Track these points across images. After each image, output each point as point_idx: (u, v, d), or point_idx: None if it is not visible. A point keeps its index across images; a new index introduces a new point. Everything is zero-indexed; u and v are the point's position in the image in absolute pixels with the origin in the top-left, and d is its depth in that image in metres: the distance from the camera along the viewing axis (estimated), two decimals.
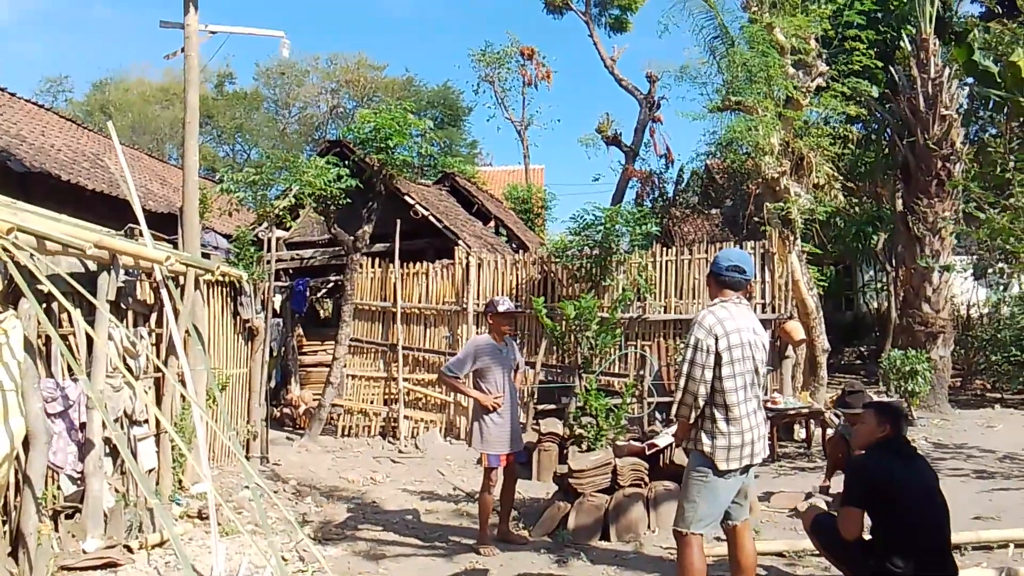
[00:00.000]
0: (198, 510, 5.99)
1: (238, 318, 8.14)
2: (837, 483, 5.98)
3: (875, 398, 10.34)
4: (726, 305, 3.72)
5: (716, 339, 3.58)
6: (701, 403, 3.58)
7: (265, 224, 9.88)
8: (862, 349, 19.15)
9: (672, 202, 22.12)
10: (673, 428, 4.02)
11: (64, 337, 5.25)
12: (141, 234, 6.63)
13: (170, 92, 32.33)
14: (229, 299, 8.06)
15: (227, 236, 11.22)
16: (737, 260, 3.80)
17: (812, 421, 8.41)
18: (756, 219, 10.58)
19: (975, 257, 14.73)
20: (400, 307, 10.26)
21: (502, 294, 9.99)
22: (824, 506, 5.44)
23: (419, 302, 10.37)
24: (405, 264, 10.51)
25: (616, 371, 9.44)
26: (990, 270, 13.50)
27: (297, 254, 12.12)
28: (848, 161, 14.51)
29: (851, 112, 10.32)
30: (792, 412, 8.08)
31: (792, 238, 9.54)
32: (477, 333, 9.18)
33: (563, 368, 9.56)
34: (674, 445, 5.53)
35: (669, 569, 4.47)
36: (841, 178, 11.63)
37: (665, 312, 9.47)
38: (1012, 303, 13.42)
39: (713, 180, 21.29)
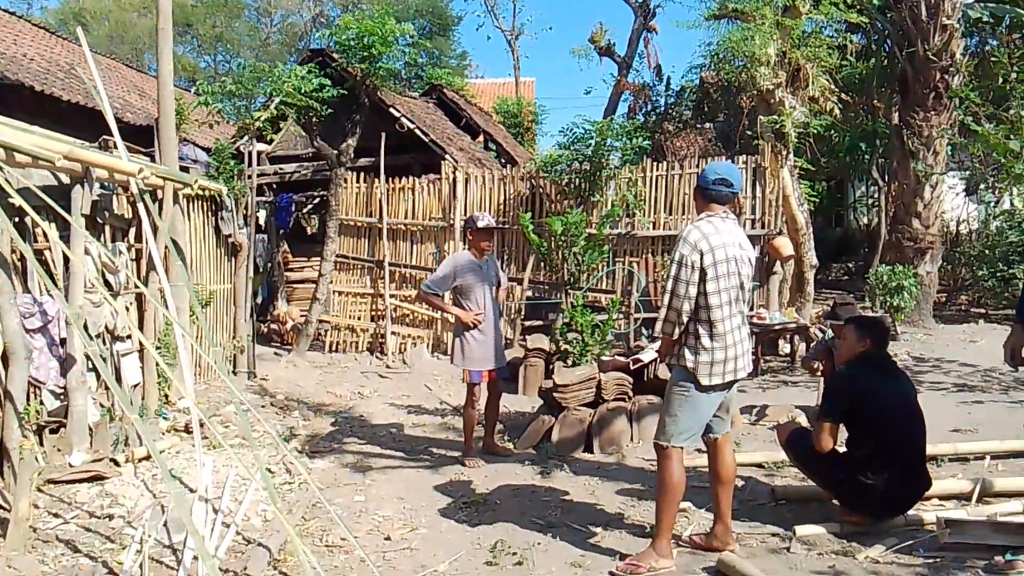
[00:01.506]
0: (185, 424, 6.02)
1: (220, 233, 8.01)
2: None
3: (863, 313, 10.44)
4: (712, 220, 3.64)
5: (701, 255, 3.50)
6: (685, 319, 3.54)
7: (246, 137, 9.61)
8: (850, 265, 19.24)
9: (665, 116, 21.71)
10: (658, 344, 3.99)
11: (40, 252, 5.14)
12: (115, 146, 6.42)
13: None
14: (210, 214, 7.91)
15: (207, 149, 10.93)
16: (724, 173, 3.69)
17: (797, 336, 8.46)
18: (749, 133, 10.37)
19: (968, 172, 14.65)
20: (386, 223, 10.12)
21: (489, 210, 9.87)
22: (804, 422, 5.54)
23: (405, 218, 10.23)
24: (391, 179, 10.32)
25: (604, 287, 9.43)
26: (982, 185, 13.46)
27: (280, 168, 11.86)
28: (846, 73, 14.17)
29: (851, 19, 9.98)
30: (778, 328, 8.12)
31: (785, 152, 9.37)
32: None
33: (550, 284, 9.53)
34: (658, 361, 5.55)
35: (650, 479, 4.54)
36: (837, 91, 11.36)
37: (654, 228, 9.38)
38: (1001, 219, 13.39)
39: (707, 94, 20.83)
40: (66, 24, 29.60)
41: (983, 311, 12.60)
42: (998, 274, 11.78)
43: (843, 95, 12.12)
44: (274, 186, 12.02)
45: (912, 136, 10.61)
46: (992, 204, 14.77)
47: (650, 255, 9.30)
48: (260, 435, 6.20)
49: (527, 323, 9.34)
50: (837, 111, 11.31)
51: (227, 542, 4.05)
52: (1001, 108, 8.32)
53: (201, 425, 6.05)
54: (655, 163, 9.65)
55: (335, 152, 9.73)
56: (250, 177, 9.03)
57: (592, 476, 5.08)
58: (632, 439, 5.75)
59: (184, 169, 7.97)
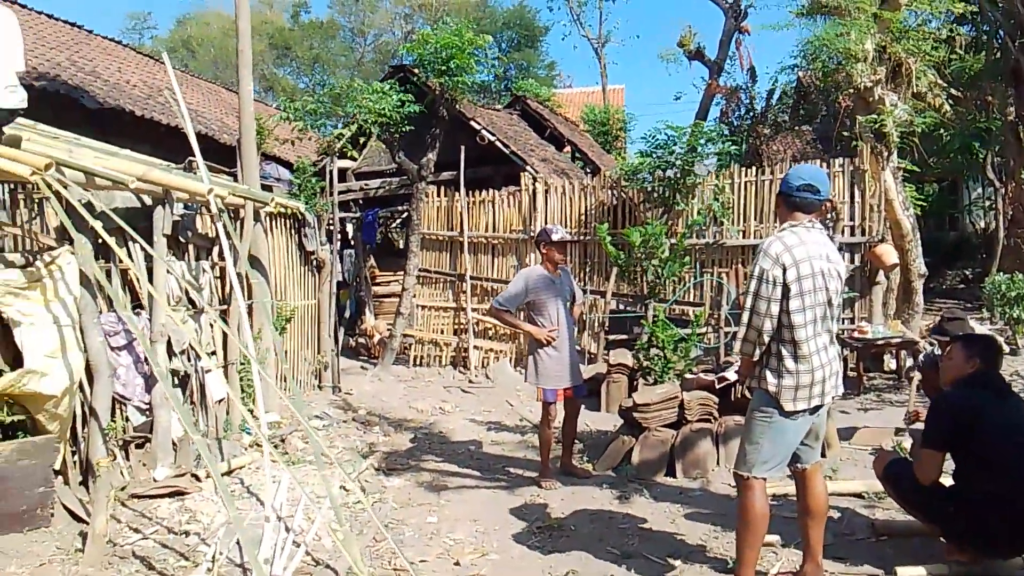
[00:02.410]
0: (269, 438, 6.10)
1: (304, 251, 8.16)
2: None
3: (976, 326, 9.60)
4: (796, 230, 3.33)
5: (784, 269, 3.21)
6: (766, 339, 3.26)
7: (328, 156, 9.80)
8: (966, 272, 17.92)
9: (760, 119, 20.94)
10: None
11: (125, 272, 5.32)
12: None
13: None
14: (293, 231, 8.07)
15: (290, 166, 11.23)
16: (810, 178, 3.37)
17: (904, 351, 7.86)
18: (846, 134, 9.77)
19: None
20: (467, 236, 10.09)
21: (570, 221, 9.69)
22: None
23: (486, 231, 10.17)
24: (472, 192, 10.29)
25: (691, 300, 9.07)
26: None
27: (365, 184, 12.06)
28: (955, 68, 13.24)
29: (957, 10, 9.26)
30: (881, 342, 7.55)
31: (886, 153, 8.75)
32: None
33: (635, 297, 9.24)
34: (737, 383, 5.21)
35: (736, 507, 4.23)
36: (946, 86, 10.58)
37: (743, 237, 8.95)
38: None
39: (805, 95, 19.97)
40: (175, 51, 31.42)
41: None
42: None
43: (952, 91, 11.29)
44: (360, 202, 12.23)
45: None
46: None
47: (740, 265, 8.88)
48: (339, 452, 6.23)
49: (611, 337, 9.09)
50: (947, 108, 10.55)
51: (296, 563, 4.01)
52: None
53: (282, 441, 6.17)
54: (745, 168, 9.21)
55: (416, 167, 9.78)
56: (332, 194, 9.17)
57: (673, 502, 4.81)
58: (718, 462, 5.43)
59: (267, 188, 8.18)
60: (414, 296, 10.10)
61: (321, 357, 8.37)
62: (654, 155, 9.16)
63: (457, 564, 4.08)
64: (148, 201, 5.38)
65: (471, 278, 10.06)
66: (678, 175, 8.98)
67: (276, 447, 6.01)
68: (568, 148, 16.05)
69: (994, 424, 3.37)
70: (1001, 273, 9.40)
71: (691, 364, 6.76)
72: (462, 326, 10.14)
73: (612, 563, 3.91)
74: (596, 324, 9.26)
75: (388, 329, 10.38)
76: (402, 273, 10.25)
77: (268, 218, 7.54)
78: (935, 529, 3.65)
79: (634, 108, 44.13)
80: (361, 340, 11.15)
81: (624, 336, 8.87)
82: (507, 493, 5.27)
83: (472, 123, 11.05)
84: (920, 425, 5.63)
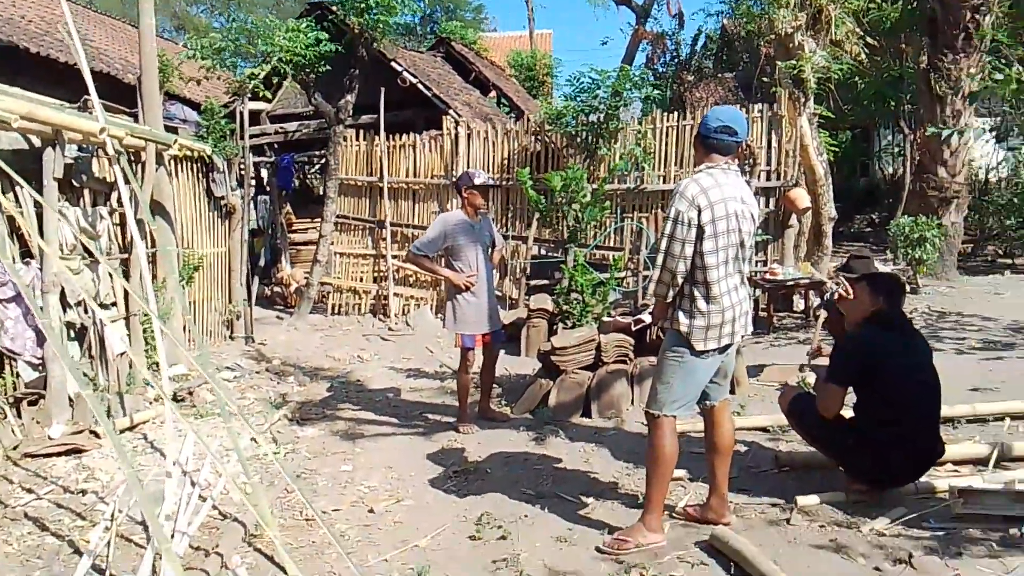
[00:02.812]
0: (173, 392, 5.87)
1: (212, 196, 7.79)
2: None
3: (880, 267, 9.98)
4: (712, 172, 3.31)
5: (699, 211, 3.20)
6: (680, 280, 3.26)
7: (240, 97, 9.32)
8: (873, 216, 18.66)
9: (685, 66, 21.03)
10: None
11: (12, 218, 4.95)
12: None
13: None
14: (201, 176, 7.69)
15: (198, 107, 10.67)
16: (728, 120, 3.34)
17: (812, 292, 8.11)
18: (767, 80, 9.88)
19: (998, 119, 13.98)
20: (387, 181, 9.84)
21: (494, 167, 9.55)
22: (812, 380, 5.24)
23: (407, 176, 9.93)
24: (392, 136, 10.01)
25: (611, 244, 9.12)
26: (1014, 129, 12.83)
27: (281, 127, 11.58)
28: (873, 16, 13.49)
29: None
30: (791, 283, 7.76)
31: (803, 100, 8.88)
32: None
33: (556, 243, 9.23)
34: (652, 325, 5.26)
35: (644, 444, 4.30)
36: (863, 34, 10.77)
37: (664, 182, 9.01)
38: None
39: (728, 42, 20.12)
40: None
41: (1010, 261, 12.13)
42: None
43: (869, 39, 11.51)
44: (275, 146, 11.76)
45: (940, 80, 10.05)
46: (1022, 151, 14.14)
47: (660, 210, 8.94)
48: (250, 403, 6.06)
49: (532, 283, 9.09)
50: (863, 56, 10.76)
51: (201, 517, 3.88)
52: None
53: (190, 394, 5.95)
54: (667, 114, 9.21)
55: (334, 109, 9.43)
56: (243, 137, 8.75)
57: (588, 442, 4.86)
58: (632, 402, 5.51)
59: (171, 129, 7.74)
60: (332, 243, 9.84)
61: (233, 307, 8.09)
62: (578, 99, 9.05)
63: (371, 511, 4.03)
64: (37, 143, 5.00)
65: (391, 224, 9.85)
66: (602, 120, 8.91)
67: (182, 401, 5.80)
68: (493, 93, 15.78)
69: (898, 363, 3.49)
70: (906, 216, 9.76)
71: (609, 308, 6.81)
72: (382, 274, 9.96)
73: (526, 503, 3.93)
74: (517, 270, 9.23)
75: (305, 277, 10.11)
76: (319, 220, 9.95)
77: (173, 162, 7.16)
78: (835, 461, 3.78)
79: (561, 54, 43.74)
80: (277, 289, 10.84)
81: (545, 281, 8.87)
82: (424, 439, 5.23)
83: (393, 64, 10.68)
84: (823, 361, 5.85)
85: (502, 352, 7.66)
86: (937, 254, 9.54)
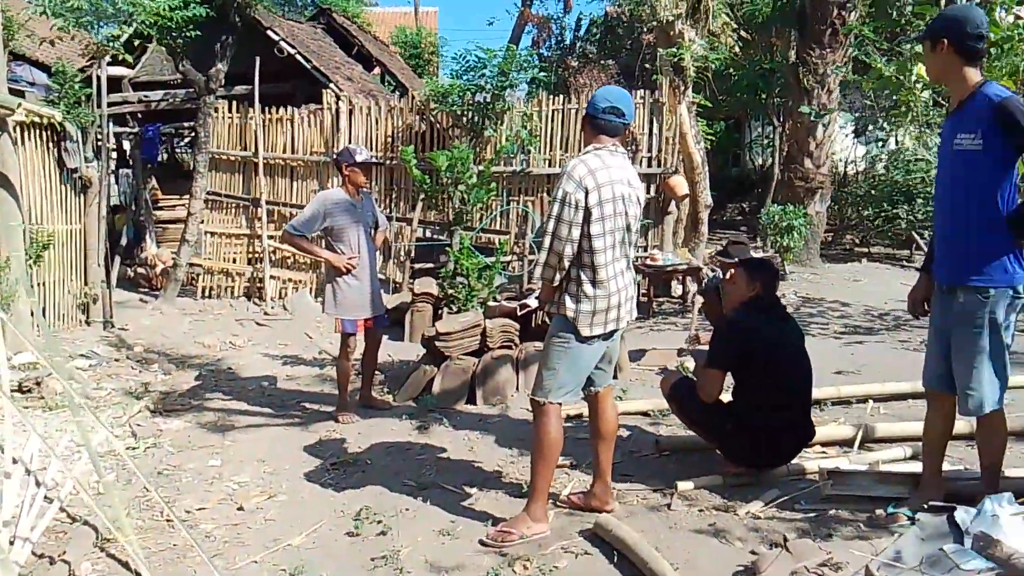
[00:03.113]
0: (19, 383, 5.33)
1: (65, 168, 7.11)
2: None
3: (753, 253, 10.47)
4: (599, 153, 3.26)
5: (586, 192, 3.14)
6: (567, 264, 3.20)
7: (97, 60, 8.54)
8: (744, 205, 19.54)
9: (570, 51, 21.18)
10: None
11: None
12: None
13: None
14: (52, 145, 7.00)
15: (49, 69, 9.74)
16: (616, 100, 3.29)
17: (690, 278, 8.36)
18: (648, 67, 10.06)
19: (858, 114, 14.92)
20: (262, 157, 9.34)
21: (378, 145, 9.25)
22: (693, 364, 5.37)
23: (284, 152, 9.46)
24: (268, 109, 9.49)
25: (498, 228, 9.05)
26: (870, 126, 13.71)
27: (145, 96, 10.75)
28: (747, 10, 14.04)
29: None
30: (670, 269, 7.96)
31: (683, 88, 9.11)
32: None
33: (442, 225, 9.07)
34: (538, 309, 5.21)
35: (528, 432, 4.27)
36: (737, 27, 11.17)
37: (550, 166, 9.01)
38: (888, 159, 13.73)
39: (611, 28, 20.41)
40: None
41: (866, 250, 13.00)
42: (883, 214, 12.09)
43: (743, 32, 11.96)
44: (140, 115, 10.92)
45: (807, 74, 10.56)
46: (880, 144, 15.15)
47: (546, 194, 8.95)
48: (107, 393, 5.59)
49: (417, 266, 8.90)
50: (737, 48, 11.16)
51: (46, 521, 3.51)
52: (895, 44, 8.30)
53: (37, 384, 5.42)
54: (553, 97, 9.19)
55: (204, 78, 8.82)
56: (100, 105, 8.03)
57: (473, 430, 4.77)
58: (517, 388, 5.46)
59: (16, 93, 6.99)
60: (202, 222, 9.26)
61: (89, 289, 7.44)
62: (464, 78, 8.89)
63: (240, 509, 3.78)
64: None
65: (267, 203, 9.35)
66: (488, 100, 8.79)
67: (29, 392, 5.27)
68: (378, 70, 15.33)
69: (775, 347, 3.59)
70: (776, 205, 10.24)
71: (495, 292, 6.73)
72: (257, 255, 9.47)
73: (408, 496, 3.79)
74: (402, 252, 9.00)
75: (173, 258, 9.46)
76: (189, 197, 9.32)
77: (19, 129, 6.47)
78: (713, 444, 3.86)
79: (447, 32, 43.14)
80: (141, 270, 10.08)
81: (431, 265, 8.71)
82: (301, 430, 4.99)
83: (270, 33, 10.11)
84: (703, 346, 6.03)
85: (385, 337, 7.47)
86: (803, 242, 10.06)
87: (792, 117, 11.45)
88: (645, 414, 4.84)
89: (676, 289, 8.79)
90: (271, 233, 9.40)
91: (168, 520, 3.63)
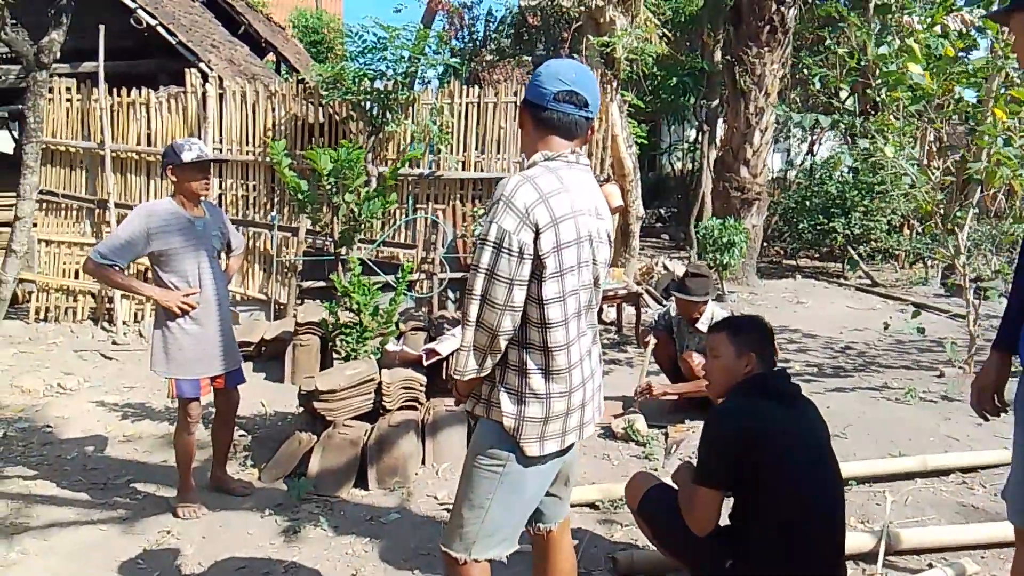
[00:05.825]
0: None
1: None
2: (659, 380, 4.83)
3: (677, 266, 9.48)
4: (553, 166, 2.03)
5: (536, 232, 1.91)
6: (503, 344, 1.96)
7: None
8: (662, 211, 18.87)
9: (483, 43, 19.99)
10: (462, 336, 2.24)
11: None
12: None
13: None
14: None
15: None
16: (573, 82, 2.04)
17: (626, 303, 7.26)
18: (574, 56, 8.96)
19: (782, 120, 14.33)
20: (110, 149, 7.66)
21: (255, 138, 7.75)
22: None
23: (138, 144, 7.80)
24: (119, 91, 7.82)
25: (402, 241, 7.71)
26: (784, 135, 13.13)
27: None
28: (671, 4, 13.23)
29: None
30: (611, 294, 6.82)
31: (614, 84, 8.03)
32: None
33: (335, 240, 7.63)
34: (455, 404, 3.89)
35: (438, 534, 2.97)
36: (659, 24, 10.24)
37: (463, 168, 7.74)
38: (820, 169, 13.18)
39: (526, 22, 19.30)
40: None
41: (794, 263, 12.37)
42: (817, 226, 11.44)
43: (666, 31, 11.03)
44: None
45: (744, 74, 9.70)
46: (806, 155, 14.71)
47: (458, 202, 7.69)
48: None
49: (305, 284, 7.46)
50: (664, 46, 10.24)
51: None
52: (835, 40, 7.63)
53: None
54: (467, 88, 7.90)
55: (33, 48, 7.10)
56: None
57: (361, 535, 3.47)
58: (423, 462, 4.19)
59: None
60: (34, 226, 7.50)
61: None
62: (360, 61, 7.49)
63: None
64: None
65: (116, 205, 7.65)
66: (390, 88, 7.43)
67: None
68: (273, 56, 13.70)
69: (781, 445, 2.40)
70: (713, 218, 9.32)
71: (400, 321, 5.42)
72: None
73: None
74: (286, 268, 7.54)
75: None
76: (16, 196, 7.53)
77: None
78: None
79: (353, 19, 41.16)
80: None
81: (323, 284, 7.27)
82: (122, 531, 3.60)
83: None
84: (668, 396, 4.86)
85: (262, 377, 6.05)
86: (742, 260, 9.19)
87: (727, 121, 10.60)
88: (592, 506, 3.66)
89: (608, 313, 7.65)
90: None
91: None
